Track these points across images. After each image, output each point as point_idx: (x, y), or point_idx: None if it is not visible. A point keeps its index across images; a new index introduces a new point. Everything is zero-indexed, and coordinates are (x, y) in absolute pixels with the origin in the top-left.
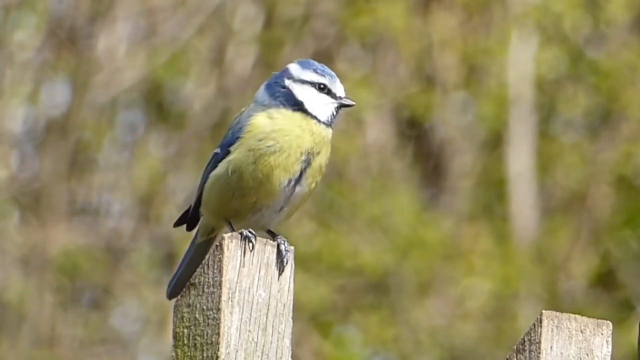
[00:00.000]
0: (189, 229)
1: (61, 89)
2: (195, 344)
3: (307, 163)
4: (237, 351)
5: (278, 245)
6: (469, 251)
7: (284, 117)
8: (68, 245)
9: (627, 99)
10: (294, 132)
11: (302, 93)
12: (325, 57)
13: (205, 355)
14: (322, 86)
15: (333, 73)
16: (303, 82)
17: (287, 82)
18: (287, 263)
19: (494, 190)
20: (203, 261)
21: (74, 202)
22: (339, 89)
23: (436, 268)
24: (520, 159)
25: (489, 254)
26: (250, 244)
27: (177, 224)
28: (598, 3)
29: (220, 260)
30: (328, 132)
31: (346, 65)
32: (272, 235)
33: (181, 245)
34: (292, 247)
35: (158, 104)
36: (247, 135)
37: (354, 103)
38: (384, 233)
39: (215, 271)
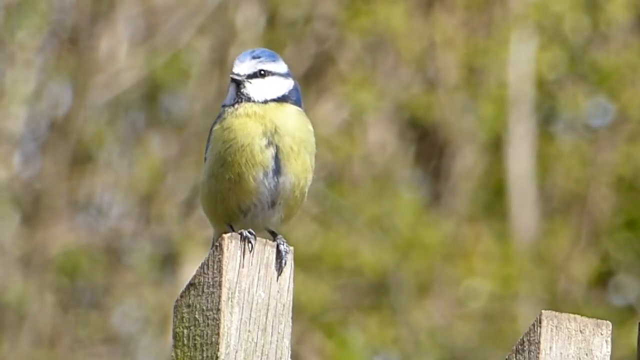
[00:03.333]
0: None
1: (62, 89)
2: (195, 344)
3: (276, 148)
4: (236, 351)
5: (277, 246)
6: (470, 252)
7: (230, 115)
8: (68, 245)
9: (627, 99)
10: (237, 124)
11: (230, 88)
12: (326, 58)
13: (205, 355)
14: (231, 74)
15: (242, 55)
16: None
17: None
18: (285, 264)
19: (494, 191)
20: (203, 261)
21: (74, 202)
22: (235, 68)
23: (436, 269)
24: (520, 160)
25: (490, 255)
26: (250, 245)
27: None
28: (598, 3)
29: (220, 261)
30: (264, 108)
31: (347, 67)
32: (273, 235)
33: (181, 246)
34: (291, 248)
35: (158, 104)
36: (213, 142)
37: (234, 72)
38: (385, 234)
39: (215, 271)
